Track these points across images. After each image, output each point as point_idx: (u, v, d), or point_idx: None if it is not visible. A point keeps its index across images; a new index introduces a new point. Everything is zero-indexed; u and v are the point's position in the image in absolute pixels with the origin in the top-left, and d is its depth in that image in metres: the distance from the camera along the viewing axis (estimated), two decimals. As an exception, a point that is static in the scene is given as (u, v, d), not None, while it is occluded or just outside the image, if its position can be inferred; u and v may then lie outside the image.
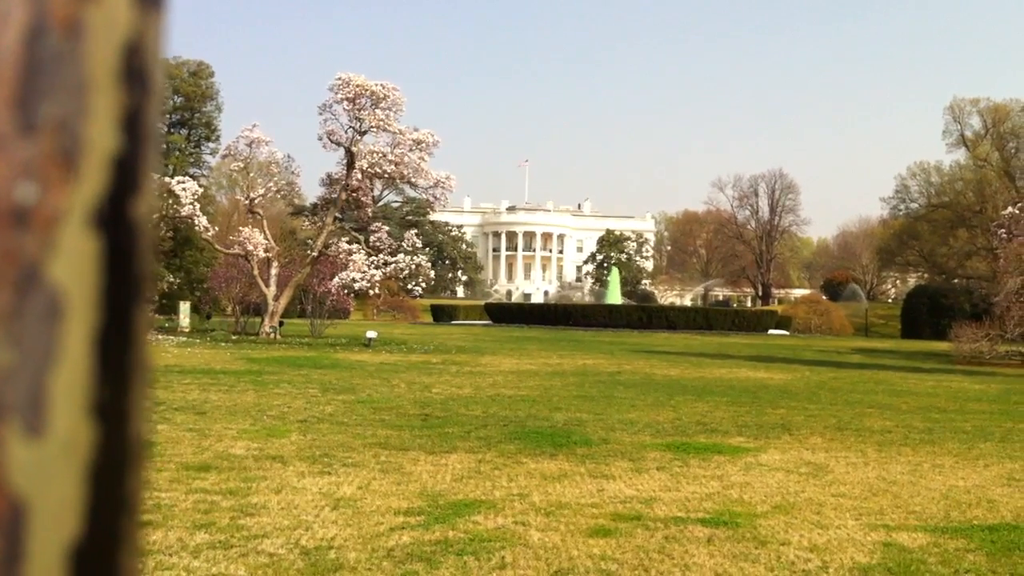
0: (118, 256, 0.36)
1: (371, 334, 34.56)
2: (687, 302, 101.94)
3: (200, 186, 39.76)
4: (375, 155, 36.89)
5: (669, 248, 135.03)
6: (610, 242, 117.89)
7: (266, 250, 37.29)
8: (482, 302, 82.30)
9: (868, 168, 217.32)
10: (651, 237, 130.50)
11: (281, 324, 37.45)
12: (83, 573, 0.35)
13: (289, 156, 39.94)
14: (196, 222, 36.83)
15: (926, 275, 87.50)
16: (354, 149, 37.19)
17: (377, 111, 36.53)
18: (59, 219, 0.35)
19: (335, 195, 39.16)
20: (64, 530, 0.35)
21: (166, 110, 59.02)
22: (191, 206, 36.26)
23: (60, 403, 0.35)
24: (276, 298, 36.90)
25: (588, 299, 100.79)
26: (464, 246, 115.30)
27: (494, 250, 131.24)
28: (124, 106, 0.36)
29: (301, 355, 26.88)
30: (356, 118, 36.85)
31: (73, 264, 0.36)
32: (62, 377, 0.35)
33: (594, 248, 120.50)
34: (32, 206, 0.35)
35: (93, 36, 0.36)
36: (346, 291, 37.98)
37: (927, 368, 30.33)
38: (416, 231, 41.02)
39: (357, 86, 36.23)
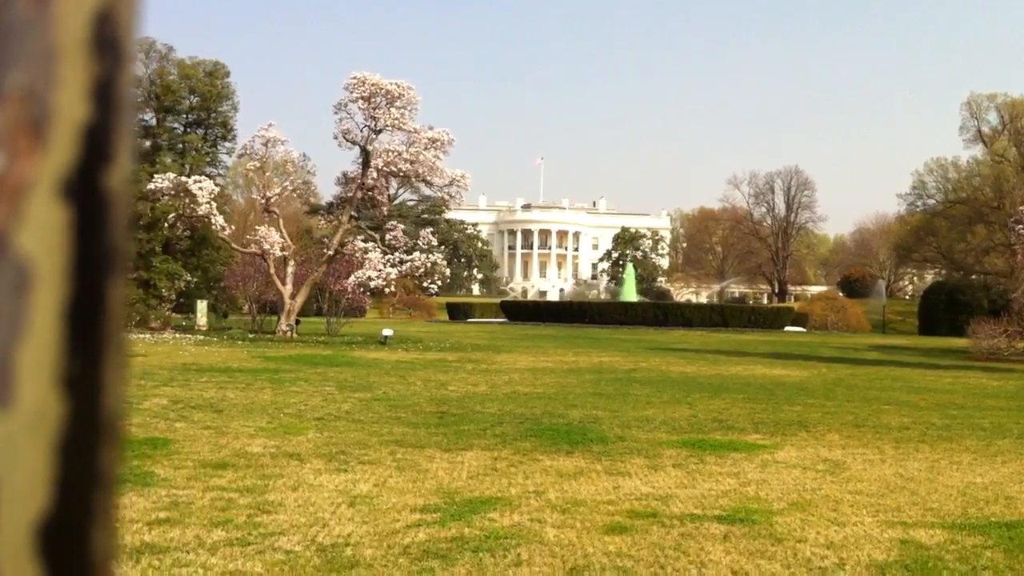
0: (89, 227, 0.36)
1: (387, 332, 34.64)
2: (703, 299, 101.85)
3: (217, 185, 39.85)
4: (390, 154, 36.94)
5: (685, 245, 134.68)
6: (626, 240, 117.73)
7: (282, 249, 37.41)
8: (498, 300, 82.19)
9: (885, 164, 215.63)
10: (667, 234, 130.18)
11: (297, 322, 37.56)
12: (53, 548, 0.35)
13: (305, 155, 40.32)
14: (213, 221, 36.99)
15: (943, 271, 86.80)
16: (369, 148, 37.26)
17: (392, 110, 36.60)
18: (27, 188, 0.35)
19: (351, 194, 39.22)
20: (32, 505, 0.34)
21: (182, 110, 59.20)
22: (208, 205, 36.38)
23: (27, 375, 0.35)
24: (292, 296, 37.02)
25: (604, 297, 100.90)
26: (480, 244, 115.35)
27: (509, 248, 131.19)
28: (95, 75, 0.36)
29: (317, 353, 26.96)
30: (371, 117, 36.94)
31: (42, 234, 0.35)
32: (30, 349, 0.35)
33: (610, 246, 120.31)
34: (-1, 175, 0.34)
35: (62, 3, 0.35)
36: (362, 289, 38.05)
37: (945, 365, 30.15)
38: (431, 229, 41.08)
39: (372, 85, 36.31)
